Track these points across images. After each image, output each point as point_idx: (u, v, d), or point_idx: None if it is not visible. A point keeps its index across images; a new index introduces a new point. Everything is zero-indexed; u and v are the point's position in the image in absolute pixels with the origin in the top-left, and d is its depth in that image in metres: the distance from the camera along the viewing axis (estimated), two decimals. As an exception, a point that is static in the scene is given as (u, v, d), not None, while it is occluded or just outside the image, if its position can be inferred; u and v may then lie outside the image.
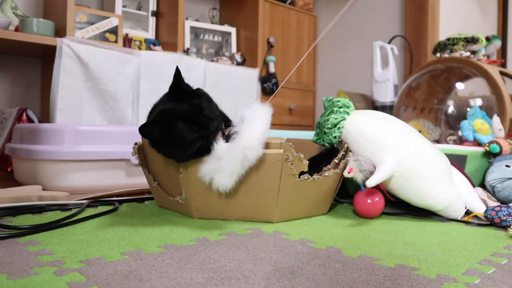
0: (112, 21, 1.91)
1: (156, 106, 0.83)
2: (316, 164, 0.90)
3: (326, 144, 0.97)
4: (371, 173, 0.85)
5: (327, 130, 0.95)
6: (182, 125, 0.75)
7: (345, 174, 0.86)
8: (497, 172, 1.04)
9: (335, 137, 0.95)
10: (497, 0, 2.94)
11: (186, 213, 0.88)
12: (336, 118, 0.95)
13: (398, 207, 1.03)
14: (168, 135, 0.76)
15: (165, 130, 0.76)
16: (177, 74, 0.80)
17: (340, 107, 0.96)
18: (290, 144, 0.80)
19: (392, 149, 0.88)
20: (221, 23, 2.66)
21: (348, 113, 0.96)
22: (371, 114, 0.96)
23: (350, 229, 0.80)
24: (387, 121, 0.95)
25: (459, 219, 0.89)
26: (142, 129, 0.76)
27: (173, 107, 0.77)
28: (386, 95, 2.20)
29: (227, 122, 0.88)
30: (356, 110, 0.98)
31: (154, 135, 0.77)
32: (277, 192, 0.81)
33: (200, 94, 0.80)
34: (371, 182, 0.83)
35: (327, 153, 0.95)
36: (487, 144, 1.12)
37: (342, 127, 0.95)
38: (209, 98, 0.82)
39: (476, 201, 0.93)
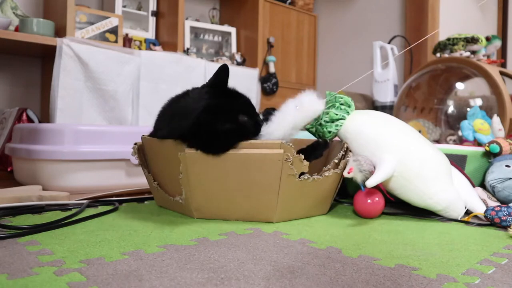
0: (112, 21, 1.91)
1: (184, 102, 0.82)
2: (305, 156, 0.89)
3: (317, 136, 0.97)
4: (371, 173, 0.85)
5: (323, 122, 0.95)
6: (245, 118, 0.83)
7: (345, 174, 0.86)
8: (497, 172, 1.04)
9: (329, 132, 0.95)
10: (497, 0, 2.95)
11: (186, 213, 0.88)
12: (337, 114, 0.94)
13: (398, 207, 1.02)
14: (232, 128, 0.79)
15: (231, 124, 0.79)
16: (226, 73, 0.84)
17: (342, 104, 0.96)
18: (290, 144, 0.80)
19: (392, 149, 0.88)
20: (221, 23, 2.66)
21: (348, 113, 0.96)
22: (371, 114, 0.96)
23: (350, 229, 0.80)
24: (387, 121, 0.95)
25: (459, 219, 0.89)
26: (208, 124, 0.78)
27: (231, 102, 0.84)
28: (386, 95, 2.20)
29: None
30: (356, 110, 0.98)
31: (221, 129, 0.78)
32: (277, 192, 0.81)
33: (237, 94, 0.87)
34: (371, 182, 0.83)
35: (317, 146, 0.94)
36: (487, 144, 1.12)
37: (340, 125, 0.94)
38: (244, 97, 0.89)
39: (476, 201, 0.93)
